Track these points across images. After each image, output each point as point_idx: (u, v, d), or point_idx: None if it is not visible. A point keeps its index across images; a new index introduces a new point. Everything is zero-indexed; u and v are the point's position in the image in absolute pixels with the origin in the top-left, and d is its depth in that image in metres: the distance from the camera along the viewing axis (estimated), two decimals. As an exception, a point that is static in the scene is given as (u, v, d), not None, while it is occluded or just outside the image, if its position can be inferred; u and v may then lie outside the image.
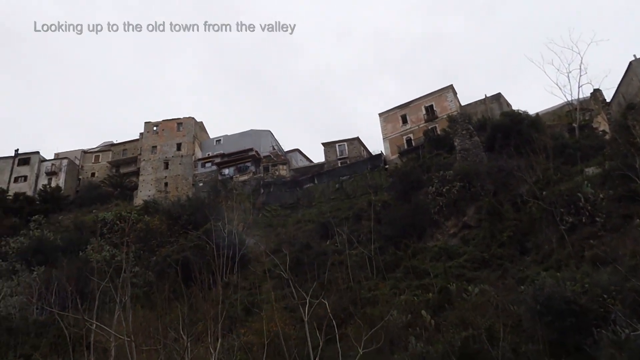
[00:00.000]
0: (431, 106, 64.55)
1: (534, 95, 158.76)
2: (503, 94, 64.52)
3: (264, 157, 70.55)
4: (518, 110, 50.66)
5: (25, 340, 35.22)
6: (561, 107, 55.61)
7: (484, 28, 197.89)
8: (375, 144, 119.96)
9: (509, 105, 62.68)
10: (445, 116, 59.97)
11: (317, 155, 79.77)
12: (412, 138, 63.56)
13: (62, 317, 21.31)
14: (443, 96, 64.34)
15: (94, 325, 16.21)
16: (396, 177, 50.62)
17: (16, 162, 75.38)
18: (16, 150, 76.72)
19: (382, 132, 66.57)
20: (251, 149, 70.98)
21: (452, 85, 64.93)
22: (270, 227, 56.96)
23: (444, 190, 43.16)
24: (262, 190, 63.44)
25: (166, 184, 70.57)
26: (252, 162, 69.69)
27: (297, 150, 77.42)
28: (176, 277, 41.36)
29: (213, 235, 47.04)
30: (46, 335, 35.60)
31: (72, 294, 41.04)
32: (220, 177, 68.21)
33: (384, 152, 65.18)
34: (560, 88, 65.25)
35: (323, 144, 69.82)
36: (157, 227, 56.39)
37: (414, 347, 23.17)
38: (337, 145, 69.35)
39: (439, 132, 59.29)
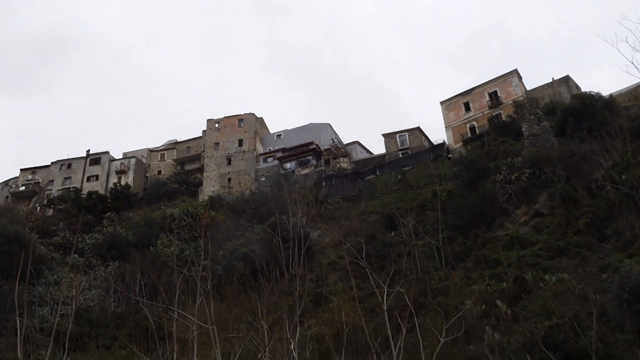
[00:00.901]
0: (495, 92, 62.64)
1: (605, 76, 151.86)
2: (571, 76, 61.93)
3: (325, 150, 70.59)
4: (590, 92, 48.37)
5: (105, 331, 36.60)
6: (637, 87, 52.67)
7: (547, 10, 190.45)
8: (437, 134, 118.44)
9: (578, 87, 60.01)
10: (511, 102, 58.07)
11: (377, 147, 79.05)
12: (475, 126, 61.93)
13: (143, 307, 21.68)
14: (507, 81, 62.29)
15: (176, 314, 16.46)
16: (461, 165, 49.50)
17: (88, 162, 78.76)
18: (87, 151, 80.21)
19: (444, 121, 65.22)
20: (311, 143, 71.18)
21: (516, 69, 62.75)
22: (333, 219, 57.02)
23: (513, 177, 41.83)
24: (323, 183, 63.53)
25: (229, 180, 71.84)
26: (312, 155, 69.90)
27: (357, 142, 77.04)
28: (244, 270, 42.14)
29: (278, 228, 47.56)
30: (124, 326, 36.89)
31: (147, 286, 42.57)
32: (282, 172, 68.79)
33: (446, 141, 63.87)
34: (636, 67, 61.75)
35: (383, 135, 69.18)
36: (223, 222, 57.55)
37: (490, 337, 22.52)
38: (397, 135, 68.52)
39: (504, 119, 57.51)
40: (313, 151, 70.10)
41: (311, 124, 77.58)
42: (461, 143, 60.95)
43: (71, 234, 59.37)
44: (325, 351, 28.29)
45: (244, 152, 73.95)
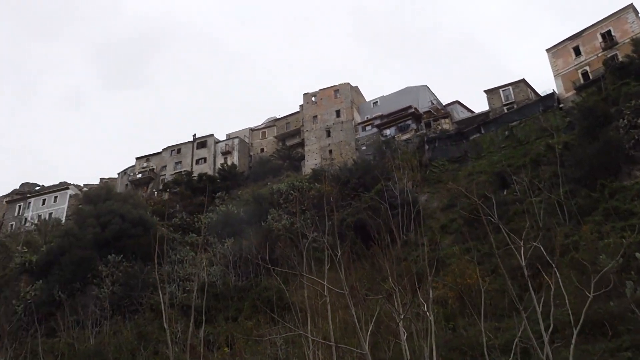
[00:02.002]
0: (608, 32, 57.38)
1: None
2: (698, 4, 55.42)
3: (424, 113, 68.74)
4: None
5: (230, 304, 38.26)
6: None
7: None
8: (543, 85, 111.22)
9: None
10: (628, 40, 53.00)
11: (479, 105, 75.92)
12: (588, 70, 57.28)
13: (274, 275, 22.21)
14: (622, 18, 56.80)
15: (305, 279, 16.59)
16: (576, 114, 46.17)
17: (195, 146, 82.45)
18: (194, 135, 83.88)
19: (552, 69, 60.90)
20: (410, 107, 69.55)
21: (632, 4, 56.86)
22: (440, 182, 55.62)
23: (639, 121, 38.34)
24: (426, 147, 61.98)
25: (330, 152, 72.14)
26: (412, 119, 68.33)
27: (457, 102, 74.19)
28: (355, 238, 42.25)
29: (385, 195, 47.10)
30: (247, 298, 38.35)
31: (263, 260, 43.86)
32: (382, 139, 67.92)
33: (556, 90, 59.72)
34: None
35: (485, 91, 66.03)
36: (329, 193, 57.97)
37: (632, 292, 20.88)
38: (501, 90, 65.10)
39: (621, 59, 52.67)
40: (412, 115, 68.50)
41: (407, 87, 75.79)
42: (573, 91, 56.77)
43: (187, 215, 62.61)
44: (450, 314, 27.85)
45: (342, 122, 73.80)
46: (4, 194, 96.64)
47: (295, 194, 61.14)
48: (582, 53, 58.82)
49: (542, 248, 15.09)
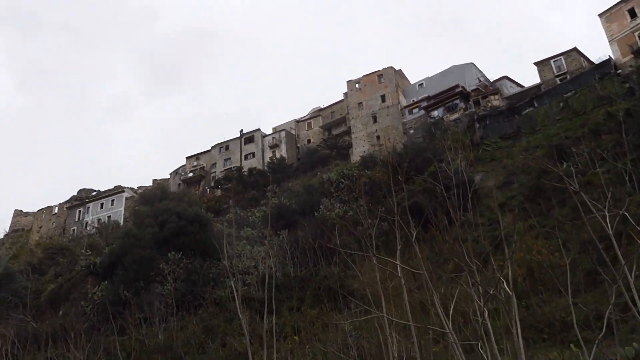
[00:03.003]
0: (665, -10, 54.48)
1: None
2: None
3: (472, 91, 67.06)
4: None
5: (291, 294, 38.37)
6: None
7: None
8: (596, 52, 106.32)
9: None
10: (687, -3, 50.16)
11: (529, 79, 73.47)
12: (646, 32, 54.53)
13: (348, 258, 22.00)
14: (679, -26, 53.79)
15: (374, 260, 16.24)
16: (637, 79, 43.96)
17: (243, 141, 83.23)
18: (241, 131, 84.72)
19: (607, 34, 58.16)
20: (457, 86, 68.01)
21: (687, -42, 53.86)
22: (494, 160, 54.26)
23: None
24: (477, 125, 60.47)
25: (378, 137, 71.39)
26: (460, 98, 66.80)
27: (505, 77, 72.02)
28: (410, 223, 41.63)
29: (439, 177, 46.15)
30: (308, 288, 38.36)
31: (320, 249, 43.86)
32: (430, 120, 66.73)
33: (611, 56, 57.09)
34: None
35: (535, 63, 63.77)
36: (380, 179, 57.45)
37: None
38: (552, 61, 62.74)
39: (681, 18, 49.88)
40: (459, 94, 66.96)
41: (453, 66, 74.11)
42: (630, 55, 54.07)
43: (241, 210, 63.24)
44: (521, 291, 27.01)
45: (387, 107, 72.89)
46: (64, 200, 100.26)
47: (345, 182, 60.93)
48: (638, 15, 55.96)
49: (628, 216, 14.16)
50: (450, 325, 12.03)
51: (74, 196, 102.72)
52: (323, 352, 23.54)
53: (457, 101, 66.76)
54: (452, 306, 13.08)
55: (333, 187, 61.00)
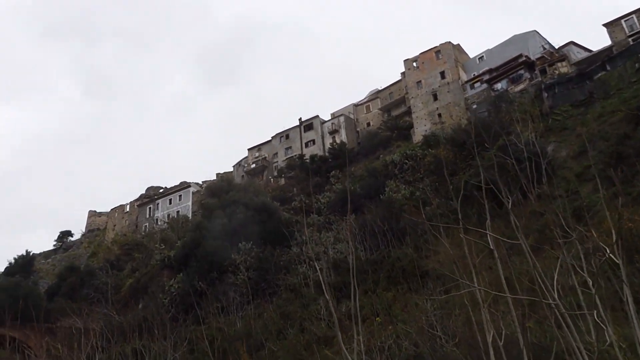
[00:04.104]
0: None
1: None
2: None
3: (537, 59, 64.12)
4: None
5: (365, 277, 37.99)
6: None
7: None
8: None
9: None
10: None
11: (597, 42, 69.58)
12: None
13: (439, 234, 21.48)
14: None
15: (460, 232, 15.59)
16: None
17: (302, 129, 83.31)
18: (299, 119, 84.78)
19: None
20: (520, 56, 65.22)
21: None
22: (566, 129, 51.76)
23: None
24: (545, 94, 57.80)
25: (439, 115, 69.70)
26: (524, 68, 64.05)
27: (571, 42, 68.42)
28: (480, 199, 40.34)
29: (509, 150, 44.50)
30: (381, 270, 37.91)
31: (389, 231, 43.27)
32: (493, 94, 64.42)
33: (690, 9, 53.18)
34: None
35: (605, 24, 60.19)
36: (445, 157, 56.11)
37: None
38: (623, 21, 59.00)
39: None
40: (524, 64, 64.19)
41: (514, 36, 71.10)
42: None
43: (306, 197, 63.35)
44: (612, 262, 25.50)
45: (448, 83, 70.92)
46: (134, 199, 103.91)
47: (409, 163, 59.89)
48: None
49: None
50: (556, 296, 11.29)
51: (143, 194, 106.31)
52: (405, 332, 23.07)
53: (522, 71, 64.07)
54: (556, 277, 12.29)
55: (397, 168, 60.14)
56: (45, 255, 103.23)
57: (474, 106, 66.64)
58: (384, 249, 42.81)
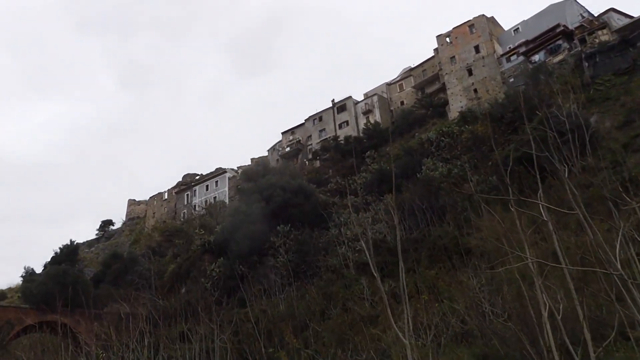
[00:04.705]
0: None
1: None
2: None
3: (575, 28, 61.99)
4: None
5: (406, 256, 37.71)
6: None
7: None
8: None
9: None
10: None
11: (638, 8, 66.72)
12: None
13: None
14: None
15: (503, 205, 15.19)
16: None
17: (335, 110, 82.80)
18: (332, 100, 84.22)
19: None
20: (557, 25, 63.16)
21: None
22: (609, 99, 50.09)
23: None
24: (585, 64, 55.92)
25: (475, 90, 68.27)
26: (562, 38, 62.03)
27: (611, 9, 65.79)
28: (523, 174, 39.44)
29: (550, 123, 43.29)
30: (421, 249, 37.58)
31: (429, 209, 42.78)
32: (531, 66, 62.65)
33: None
34: None
35: (647, -12, 57.78)
36: (483, 133, 55.04)
37: None
38: (667, -17, 56.50)
39: None
40: (562, 34, 62.16)
41: (550, 5, 68.79)
42: None
43: (341, 178, 63.10)
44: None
45: (482, 58, 69.28)
46: (171, 186, 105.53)
47: (446, 140, 58.98)
48: None
49: None
50: (619, 266, 10.84)
51: (180, 182, 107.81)
52: (452, 309, 22.79)
53: (560, 42, 62.09)
54: (618, 247, 11.80)
55: (433, 146, 59.31)
56: (89, 244, 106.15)
57: (511, 80, 65.03)
58: (424, 227, 42.38)
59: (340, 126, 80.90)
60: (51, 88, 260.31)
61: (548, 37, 63.34)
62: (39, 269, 77.60)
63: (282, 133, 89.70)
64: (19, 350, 37.58)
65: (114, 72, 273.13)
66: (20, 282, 76.66)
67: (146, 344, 25.01)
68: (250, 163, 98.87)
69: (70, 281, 49.32)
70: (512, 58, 67.00)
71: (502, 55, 68.54)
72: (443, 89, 73.08)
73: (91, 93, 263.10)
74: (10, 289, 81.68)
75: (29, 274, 75.73)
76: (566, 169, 14.00)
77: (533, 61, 63.58)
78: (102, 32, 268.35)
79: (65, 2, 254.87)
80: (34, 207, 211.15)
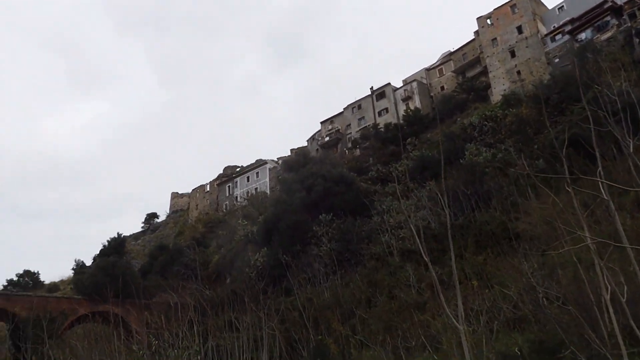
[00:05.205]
0: None
1: None
2: None
3: (624, 3, 59.43)
4: None
5: (452, 243, 37.07)
6: None
7: None
8: None
9: None
10: None
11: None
12: None
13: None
14: None
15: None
16: None
17: (374, 98, 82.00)
18: (371, 88, 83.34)
19: None
20: (605, 1, 60.70)
21: None
22: (663, 76, 47.90)
23: None
24: (636, 40, 53.56)
25: (518, 72, 66.39)
26: (610, 14, 59.58)
27: (662, -19, 63.00)
28: (573, 156, 38.21)
29: (600, 102, 41.69)
30: (467, 235, 36.87)
31: (474, 195, 41.92)
32: (577, 45, 60.48)
33: None
34: None
35: (702, -43, 54.89)
36: (528, 116, 53.62)
37: None
38: None
39: None
40: (610, 9, 59.70)
41: (597, -20, 66.23)
42: None
43: (382, 166, 62.55)
44: None
45: (525, 38, 67.25)
46: (213, 179, 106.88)
47: (489, 125, 57.66)
48: None
49: None
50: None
51: (221, 174, 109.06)
52: (503, 295, 22.23)
53: (608, 18, 59.69)
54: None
55: (476, 131, 58.04)
56: (135, 237, 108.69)
57: (556, 60, 62.98)
58: (469, 213, 41.57)
59: (379, 114, 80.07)
60: (95, 87, 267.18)
61: (595, 13, 60.98)
62: (88, 262, 79.98)
63: (321, 123, 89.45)
64: (74, 339, 38.73)
65: (154, 70, 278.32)
66: (72, 275, 79.26)
67: (195, 332, 25.32)
68: (289, 154, 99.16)
69: (119, 272, 50.58)
70: (557, 37, 64.82)
71: (546, 35, 66.40)
72: (484, 72, 71.40)
73: (133, 90, 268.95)
74: (62, 282, 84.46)
75: (79, 267, 78.17)
76: (630, 143, 13.25)
77: (579, 40, 61.38)
78: (140, 31, 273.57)
79: (104, 3, 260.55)
80: (82, 203, 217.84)
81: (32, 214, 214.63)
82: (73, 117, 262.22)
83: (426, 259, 15.38)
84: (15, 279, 78.90)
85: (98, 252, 79.87)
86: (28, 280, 79.88)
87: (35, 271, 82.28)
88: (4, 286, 74.56)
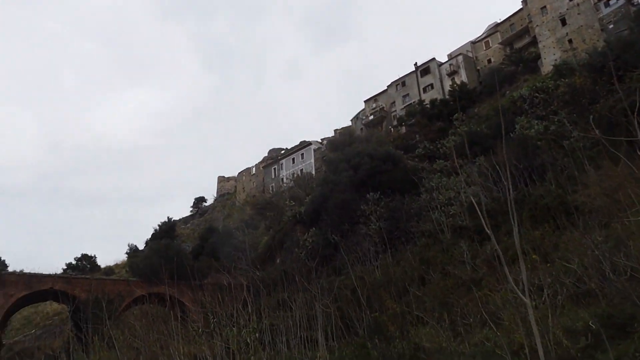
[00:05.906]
0: None
1: None
2: None
3: (685, -38, 56.21)
4: None
5: (504, 219, 36.18)
6: None
7: None
8: None
9: None
10: None
11: None
12: None
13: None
14: None
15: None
16: None
17: (419, 74, 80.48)
18: (415, 64, 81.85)
19: None
20: (663, -39, 57.53)
21: None
22: None
23: None
24: (699, 1, 50.62)
25: (570, 41, 63.79)
26: (670, -26, 56.46)
27: None
28: (628, 127, 36.53)
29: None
30: (522, 210, 35.86)
31: (528, 169, 40.71)
32: (634, 9, 57.53)
33: None
34: None
35: None
36: (582, 85, 51.47)
37: None
38: None
39: None
40: (669, -30, 56.57)
41: (654, -61, 62.64)
42: None
43: (429, 143, 61.49)
44: None
45: (577, 5, 64.39)
46: (258, 161, 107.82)
47: (540, 96, 55.79)
48: None
49: None
50: None
51: (266, 156, 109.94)
52: (565, 269, 21.46)
53: (667, -22, 56.55)
54: None
55: (526, 103, 56.31)
56: (184, 220, 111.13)
57: (610, 26, 60.19)
58: (522, 187, 40.45)
59: (424, 90, 78.60)
60: (141, 75, 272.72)
61: (653, -25, 57.85)
62: (140, 246, 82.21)
63: (365, 101, 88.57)
64: (132, 319, 39.85)
65: (197, 56, 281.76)
66: (125, 259, 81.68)
67: (250, 311, 25.55)
68: (333, 134, 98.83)
69: (172, 254, 51.66)
70: (611, 2, 61.82)
71: (599, 0, 63.40)
72: (534, 42, 68.96)
73: (177, 77, 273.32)
74: (117, 265, 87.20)
75: (133, 251, 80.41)
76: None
77: (636, 3, 58.39)
78: (183, 18, 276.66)
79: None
80: (133, 189, 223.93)
81: (88, 201, 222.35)
82: (122, 106, 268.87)
83: (488, 232, 14.84)
84: (74, 262, 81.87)
85: (150, 236, 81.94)
86: (86, 263, 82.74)
87: (93, 255, 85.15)
88: (64, 270, 77.41)
